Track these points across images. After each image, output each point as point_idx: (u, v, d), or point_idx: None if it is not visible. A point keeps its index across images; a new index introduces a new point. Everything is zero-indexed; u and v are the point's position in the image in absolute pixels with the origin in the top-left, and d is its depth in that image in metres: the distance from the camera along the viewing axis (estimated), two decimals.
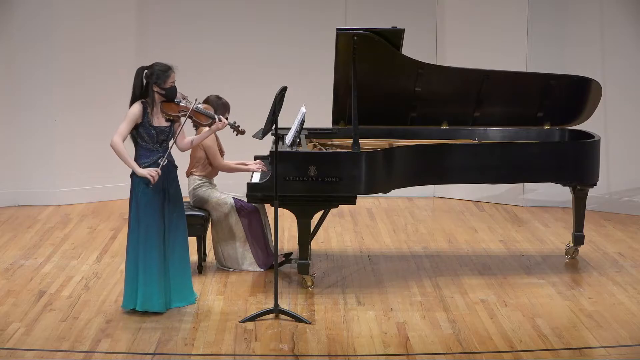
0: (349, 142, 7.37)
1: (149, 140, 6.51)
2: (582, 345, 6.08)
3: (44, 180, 9.93)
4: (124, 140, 6.49)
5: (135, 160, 6.54)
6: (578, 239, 7.92)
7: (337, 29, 7.35)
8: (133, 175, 6.55)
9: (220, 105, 7.53)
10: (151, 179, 6.45)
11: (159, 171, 6.47)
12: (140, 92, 6.52)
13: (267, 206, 7.53)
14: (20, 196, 9.91)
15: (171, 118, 6.58)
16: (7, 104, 9.79)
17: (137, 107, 6.49)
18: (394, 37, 7.48)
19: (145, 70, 6.53)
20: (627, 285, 7.29)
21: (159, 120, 6.55)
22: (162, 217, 6.54)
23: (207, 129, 6.87)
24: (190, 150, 7.24)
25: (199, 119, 6.71)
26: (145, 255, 6.51)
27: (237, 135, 7.04)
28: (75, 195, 10.03)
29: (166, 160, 6.53)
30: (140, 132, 6.50)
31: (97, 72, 9.99)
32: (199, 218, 7.40)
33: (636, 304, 6.87)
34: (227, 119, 6.89)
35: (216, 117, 6.75)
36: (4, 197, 9.84)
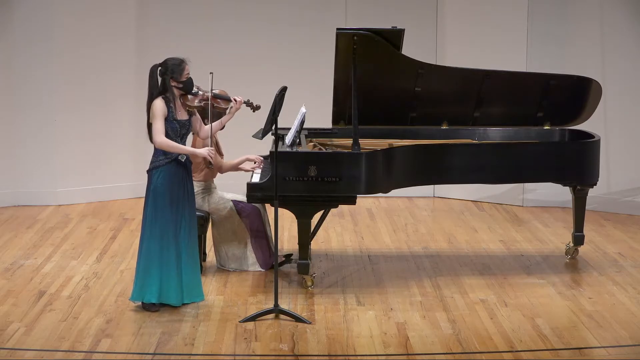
0: (349, 142, 7.37)
1: (172, 136, 6.54)
2: (582, 345, 6.08)
3: (44, 180, 9.93)
4: (164, 135, 6.51)
5: (155, 155, 6.58)
6: (578, 239, 7.92)
7: (337, 29, 7.35)
8: (151, 170, 6.56)
9: None
10: (210, 159, 6.65)
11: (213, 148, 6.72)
12: (158, 91, 6.54)
13: (267, 206, 7.52)
14: (20, 196, 9.90)
15: (193, 109, 6.65)
16: (7, 104, 9.79)
17: (160, 102, 6.51)
18: (394, 37, 7.49)
19: (159, 67, 6.56)
20: (627, 285, 7.29)
21: (181, 114, 6.61)
22: (180, 212, 6.57)
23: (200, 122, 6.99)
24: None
25: (219, 105, 6.84)
26: (162, 250, 6.53)
27: (253, 111, 7.13)
28: (75, 195, 10.03)
29: (185, 156, 6.59)
30: (164, 128, 6.51)
31: (97, 72, 9.99)
32: (199, 218, 7.38)
33: (636, 304, 6.87)
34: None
35: (232, 98, 6.90)
36: (4, 197, 9.84)
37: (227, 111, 6.95)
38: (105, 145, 10.13)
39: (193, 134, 6.94)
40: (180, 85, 6.58)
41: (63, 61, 9.85)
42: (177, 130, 6.57)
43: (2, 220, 9.24)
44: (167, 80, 6.54)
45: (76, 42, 9.87)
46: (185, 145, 6.67)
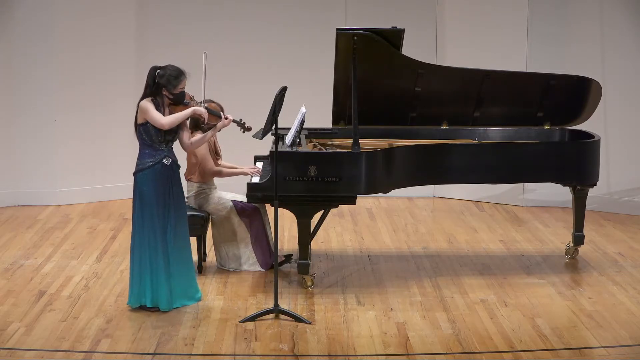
0: (349, 142, 7.37)
1: (156, 139, 6.52)
2: (582, 345, 6.08)
3: (44, 180, 9.93)
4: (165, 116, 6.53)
5: (140, 159, 6.56)
6: (578, 239, 7.92)
7: (337, 29, 7.35)
8: (137, 173, 6.56)
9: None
10: (204, 117, 6.64)
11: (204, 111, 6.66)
12: (151, 91, 6.54)
13: (267, 206, 7.53)
14: (20, 196, 9.90)
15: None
16: (7, 104, 9.79)
17: (149, 102, 6.50)
18: (394, 37, 7.48)
19: (158, 71, 6.54)
20: (627, 285, 7.29)
21: None
22: (167, 216, 6.56)
23: (199, 134, 6.96)
24: (185, 154, 7.27)
25: (209, 120, 6.78)
26: (151, 254, 6.53)
27: (243, 132, 7.12)
28: (75, 195, 10.03)
29: (170, 160, 6.57)
30: (149, 131, 6.51)
31: (96, 73, 9.99)
32: (199, 218, 7.39)
33: (636, 304, 6.87)
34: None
35: (222, 115, 6.88)
36: (4, 197, 9.84)
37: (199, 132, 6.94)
38: (105, 145, 10.13)
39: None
40: (171, 97, 6.56)
41: (63, 61, 9.85)
42: (160, 135, 6.54)
43: (2, 220, 9.24)
44: (160, 87, 6.53)
45: (76, 42, 9.87)
46: (172, 151, 6.61)
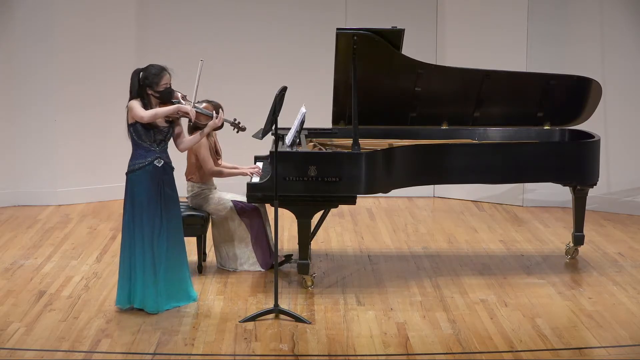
0: (349, 142, 7.38)
1: (146, 139, 6.51)
2: (582, 345, 6.08)
3: (44, 180, 9.93)
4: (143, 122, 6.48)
5: (132, 159, 6.56)
6: (578, 239, 7.92)
7: (337, 29, 7.35)
8: (129, 173, 6.55)
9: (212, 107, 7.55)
10: (192, 115, 6.54)
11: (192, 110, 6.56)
12: (137, 94, 6.53)
13: (267, 206, 7.53)
14: (20, 196, 9.90)
15: (170, 119, 6.59)
16: (7, 104, 9.79)
17: (136, 101, 6.50)
18: (394, 37, 7.49)
19: (140, 72, 6.53)
20: (627, 285, 7.29)
21: (158, 120, 6.55)
22: (159, 217, 6.54)
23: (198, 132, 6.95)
24: (186, 154, 7.26)
25: (199, 120, 6.75)
26: (141, 255, 6.51)
27: (237, 132, 7.10)
28: (75, 195, 10.03)
29: (162, 161, 6.56)
30: (138, 131, 6.50)
31: (96, 72, 9.99)
32: (199, 218, 7.39)
33: (636, 304, 6.87)
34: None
35: (214, 114, 6.84)
36: (4, 197, 9.84)
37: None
38: (105, 145, 10.13)
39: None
40: (157, 95, 6.54)
41: (63, 61, 9.85)
42: (151, 136, 6.52)
43: (2, 220, 9.24)
44: (145, 87, 6.52)
45: (76, 42, 9.87)
46: (166, 152, 6.58)
